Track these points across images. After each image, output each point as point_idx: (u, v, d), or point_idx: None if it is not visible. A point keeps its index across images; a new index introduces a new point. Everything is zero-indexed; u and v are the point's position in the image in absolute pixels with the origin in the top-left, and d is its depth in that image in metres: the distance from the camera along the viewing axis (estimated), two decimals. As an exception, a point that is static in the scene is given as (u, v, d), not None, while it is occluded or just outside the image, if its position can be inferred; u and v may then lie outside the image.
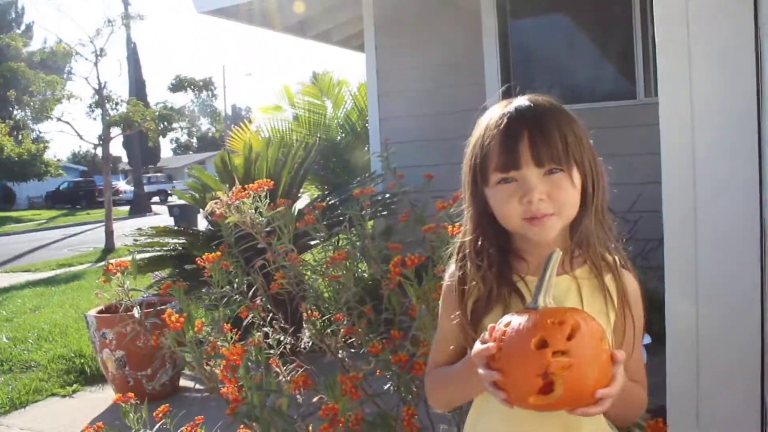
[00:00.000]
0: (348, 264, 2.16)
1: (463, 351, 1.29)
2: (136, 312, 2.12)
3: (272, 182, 2.04)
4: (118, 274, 2.02)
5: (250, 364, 1.84)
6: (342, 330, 2.27)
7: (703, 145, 2.37)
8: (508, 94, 1.32)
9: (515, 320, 1.05)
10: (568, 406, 1.02)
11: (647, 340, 3.03)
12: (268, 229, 2.10)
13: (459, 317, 1.26)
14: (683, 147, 2.45)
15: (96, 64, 15.59)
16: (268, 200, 2.06)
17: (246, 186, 2.00)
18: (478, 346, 1.08)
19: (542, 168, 1.16)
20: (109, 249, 14.17)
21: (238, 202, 2.00)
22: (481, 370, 1.06)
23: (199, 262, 2.09)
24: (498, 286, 1.22)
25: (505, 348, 1.03)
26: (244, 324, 2.35)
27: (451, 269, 1.32)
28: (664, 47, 2.43)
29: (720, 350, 2.29)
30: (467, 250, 1.27)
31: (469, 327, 1.23)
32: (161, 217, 22.45)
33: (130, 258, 2.14)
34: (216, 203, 1.98)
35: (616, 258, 1.27)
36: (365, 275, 3.28)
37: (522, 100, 1.22)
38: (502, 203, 1.19)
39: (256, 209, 2.04)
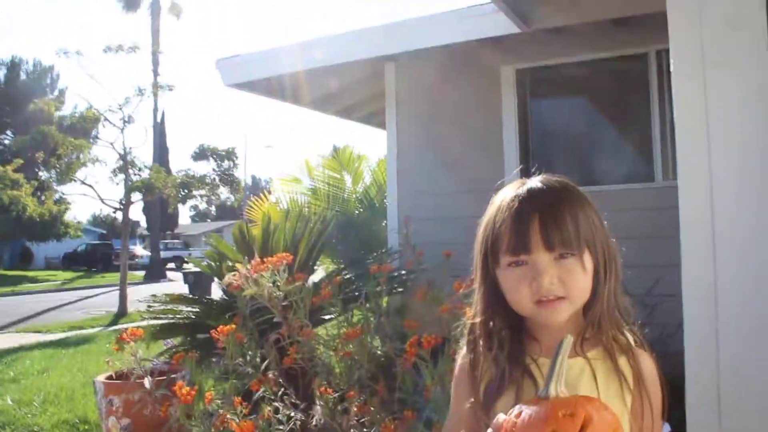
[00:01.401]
0: (362, 340, 2.14)
1: None
2: (147, 382, 2.09)
3: (291, 256, 2.05)
4: (132, 343, 2.01)
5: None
6: (354, 408, 2.22)
7: (723, 225, 2.36)
8: (526, 172, 1.32)
9: (526, 411, 1.02)
10: None
11: (667, 429, 2.94)
12: (284, 303, 2.09)
13: (471, 401, 1.23)
14: (703, 228, 2.45)
15: (123, 130, 15.95)
16: (286, 274, 2.06)
17: (265, 259, 2.00)
18: None
19: (553, 252, 1.15)
20: (122, 313, 14.14)
21: (256, 275, 2.00)
22: None
23: (213, 334, 2.08)
24: (510, 368, 1.20)
25: None
26: (255, 398, 2.32)
27: (463, 351, 1.30)
28: (682, 132, 2.46)
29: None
30: (478, 332, 1.26)
31: (482, 411, 1.20)
32: (176, 283, 22.46)
33: (143, 324, 2.14)
34: (234, 275, 1.98)
35: (630, 339, 1.24)
36: (378, 352, 3.24)
37: (535, 182, 1.22)
38: (512, 287, 1.18)
39: (273, 283, 2.03)
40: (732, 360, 2.33)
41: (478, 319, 1.26)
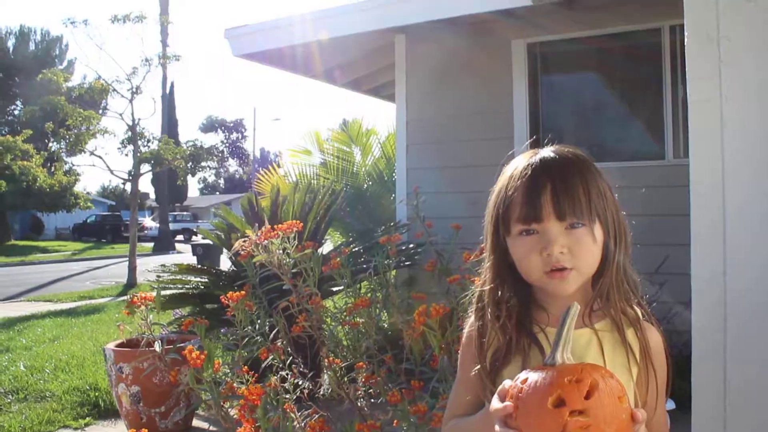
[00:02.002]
0: (370, 311, 2.15)
1: (481, 402, 1.26)
2: (157, 346, 2.12)
3: (301, 224, 2.05)
4: (142, 308, 2.03)
5: (267, 406, 1.82)
6: (362, 378, 2.24)
7: (733, 206, 2.34)
8: (536, 145, 1.32)
9: (532, 377, 1.03)
10: None
11: (671, 405, 2.96)
12: (294, 270, 2.11)
13: (478, 368, 1.24)
14: (713, 207, 2.43)
15: (131, 101, 15.95)
16: (296, 242, 2.07)
17: (275, 226, 2.01)
18: (495, 402, 1.06)
19: (564, 221, 1.15)
20: (131, 284, 14.26)
21: (266, 241, 2.01)
22: (497, 428, 1.04)
23: (223, 300, 2.09)
24: (517, 337, 1.21)
25: (521, 406, 1.01)
26: (263, 366, 2.34)
27: (471, 319, 1.31)
28: (695, 107, 2.43)
29: (749, 419, 2.22)
30: (486, 300, 1.26)
31: (488, 378, 1.21)
32: (185, 255, 22.59)
33: (153, 293, 2.15)
34: (244, 241, 1.99)
35: (639, 312, 1.24)
36: (385, 325, 3.25)
37: (548, 152, 1.22)
38: (522, 255, 1.19)
39: (283, 250, 2.04)
40: (739, 339, 2.33)
41: (487, 287, 1.27)
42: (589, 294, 1.22)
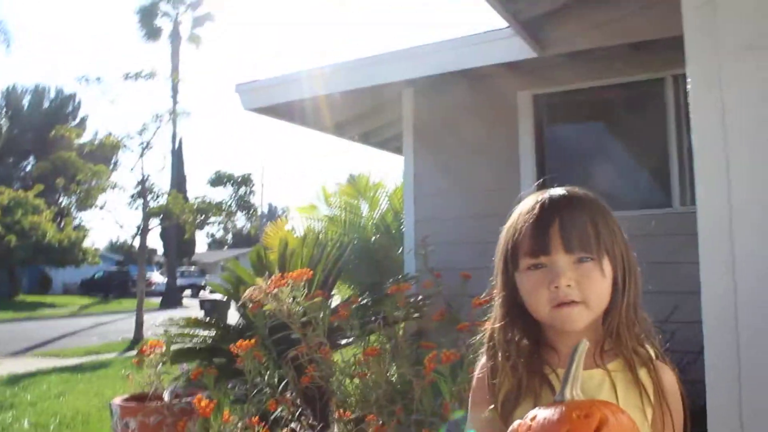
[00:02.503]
0: (379, 360, 2.13)
1: None
2: (166, 395, 2.10)
3: (311, 272, 2.06)
4: (151, 356, 2.02)
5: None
6: (371, 430, 2.21)
7: (743, 250, 2.34)
8: (543, 187, 1.34)
9: (541, 414, 1.02)
10: None
11: (688, 456, 2.89)
12: (303, 319, 2.10)
13: (490, 411, 1.23)
14: (722, 253, 2.42)
15: (141, 156, 16.16)
16: (306, 290, 2.07)
17: (285, 274, 2.01)
18: None
19: (572, 255, 1.16)
20: (138, 339, 14.19)
21: (276, 290, 2.01)
22: None
23: (232, 349, 2.08)
24: (528, 378, 1.20)
25: None
26: (272, 417, 2.31)
27: (482, 361, 1.31)
28: (700, 154, 2.45)
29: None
30: (497, 338, 1.26)
31: (500, 420, 1.20)
32: (192, 310, 22.51)
33: (163, 341, 2.15)
34: (255, 290, 1.99)
35: (651, 351, 1.24)
36: (394, 379, 3.21)
37: (556, 189, 1.25)
38: (530, 289, 1.19)
39: (293, 299, 2.04)
40: (754, 387, 2.30)
41: (497, 325, 1.26)
42: (600, 334, 1.21)
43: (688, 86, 2.56)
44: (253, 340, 2.14)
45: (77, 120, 42.02)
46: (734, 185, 2.43)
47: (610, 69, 5.31)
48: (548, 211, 1.19)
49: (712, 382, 2.37)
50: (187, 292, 37.53)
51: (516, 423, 1.05)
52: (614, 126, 5.75)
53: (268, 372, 2.26)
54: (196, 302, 25.19)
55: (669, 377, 1.24)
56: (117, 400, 4.62)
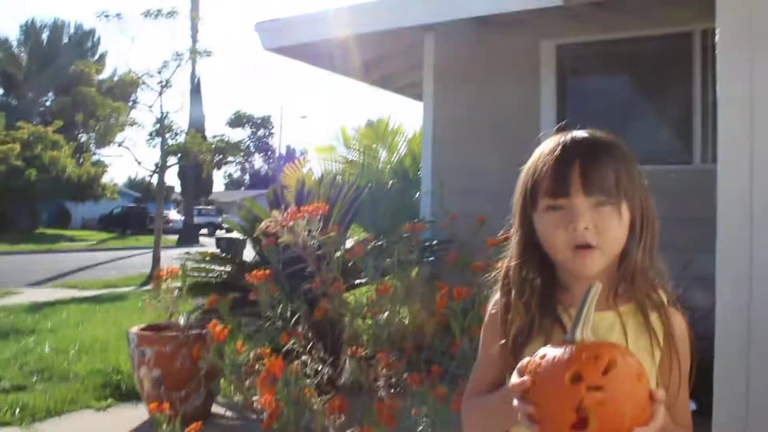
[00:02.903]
0: (392, 298, 2.17)
1: (503, 380, 1.28)
2: (182, 319, 2.16)
3: (327, 207, 2.08)
4: (168, 283, 2.07)
5: (288, 383, 1.85)
6: (382, 365, 2.26)
7: (762, 209, 2.33)
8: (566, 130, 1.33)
9: (550, 353, 1.04)
10: None
11: (692, 406, 2.94)
12: (318, 253, 2.14)
13: (500, 346, 1.25)
14: (740, 212, 2.41)
15: (160, 94, 16.13)
16: (321, 224, 2.10)
17: (301, 207, 2.04)
18: (514, 378, 1.07)
19: (591, 198, 1.16)
20: (154, 274, 14.40)
21: (292, 223, 2.04)
22: (516, 402, 1.05)
23: (247, 279, 2.13)
24: (540, 316, 1.22)
25: (539, 381, 1.02)
26: (283, 350, 2.37)
27: (496, 297, 1.32)
28: (724, 105, 2.42)
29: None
30: (512, 276, 1.28)
31: (510, 356, 1.22)
32: (208, 249, 22.78)
33: (179, 270, 2.20)
34: (271, 221, 2.02)
35: (664, 296, 1.25)
36: (406, 321, 3.26)
37: (579, 132, 1.24)
38: (548, 230, 1.20)
39: (308, 232, 2.07)
40: (764, 346, 2.31)
41: (513, 263, 1.28)
42: (614, 277, 1.22)
43: (717, 39, 2.51)
44: (267, 272, 2.18)
45: (96, 56, 41.89)
46: (757, 142, 2.41)
47: (636, 21, 5.20)
48: (570, 153, 1.18)
49: (721, 339, 2.39)
50: (204, 230, 37.89)
51: (525, 360, 1.07)
52: (638, 80, 5.66)
53: (281, 305, 2.31)
54: (212, 241, 25.45)
55: (679, 322, 1.25)
56: (134, 329, 4.74)
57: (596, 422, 0.96)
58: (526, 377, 1.04)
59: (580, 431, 0.97)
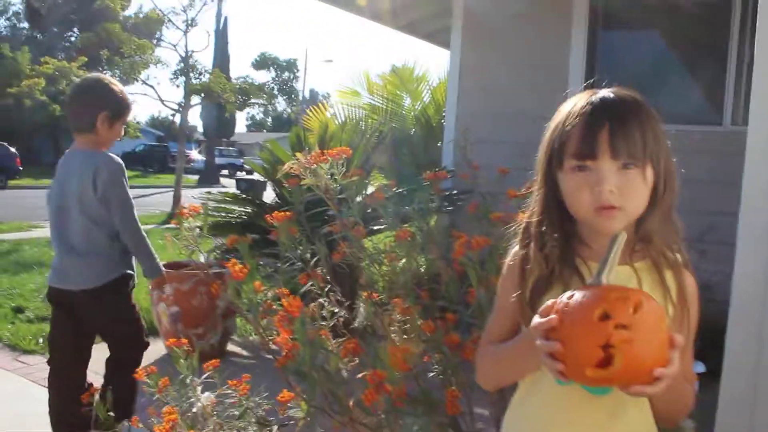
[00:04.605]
0: (411, 242, 2.18)
1: (518, 330, 1.30)
2: (202, 258, 2.19)
3: (350, 151, 2.08)
4: (190, 219, 2.10)
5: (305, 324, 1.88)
6: (397, 310, 2.28)
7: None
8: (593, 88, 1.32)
9: (578, 293, 1.06)
10: (624, 382, 1.02)
11: (701, 368, 2.95)
12: (340, 196, 2.15)
13: (518, 296, 1.27)
14: (766, 176, 2.37)
15: (186, 33, 16.06)
16: (344, 168, 2.10)
17: (325, 151, 2.04)
18: (536, 319, 1.09)
19: (618, 161, 1.17)
20: (175, 213, 14.57)
21: (315, 166, 2.04)
22: (539, 341, 1.07)
23: (267, 219, 2.14)
24: (560, 267, 1.24)
25: (566, 319, 1.04)
26: (301, 292, 2.40)
27: (514, 249, 1.34)
28: (761, 71, 2.35)
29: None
30: (533, 231, 1.29)
31: (528, 305, 1.24)
32: (229, 189, 22.93)
33: (201, 207, 2.22)
34: (294, 163, 2.03)
35: (678, 257, 1.26)
36: (423, 270, 3.28)
37: (607, 92, 1.24)
38: (573, 190, 1.20)
39: (331, 175, 2.08)
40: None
41: (534, 219, 1.29)
42: (632, 235, 1.23)
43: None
44: (288, 213, 2.19)
45: (122, -9, 41.54)
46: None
47: (675, -27, 5.05)
48: (599, 115, 1.19)
49: (736, 303, 2.38)
50: (225, 171, 38.10)
51: (550, 301, 1.09)
52: (672, 36, 5.52)
53: (301, 247, 2.33)
54: (232, 182, 25.62)
55: (691, 283, 1.28)
56: (154, 266, 4.82)
57: (621, 360, 0.99)
58: (552, 316, 1.05)
59: (604, 368, 0.99)
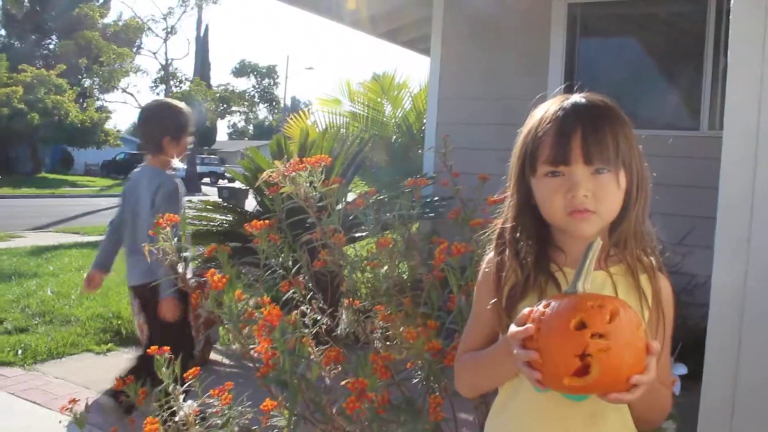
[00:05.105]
0: (392, 252, 2.18)
1: (495, 337, 1.30)
2: (180, 267, 2.18)
3: (330, 159, 2.08)
4: (168, 229, 2.08)
5: (286, 333, 1.87)
6: (379, 317, 2.28)
7: (764, 177, 2.32)
8: (569, 91, 1.33)
9: (555, 302, 1.06)
10: (601, 390, 1.03)
11: (683, 370, 2.97)
12: (320, 204, 2.14)
13: (494, 303, 1.27)
14: (743, 181, 2.40)
15: (166, 41, 16.04)
16: (323, 176, 2.10)
17: (303, 159, 2.04)
18: (513, 328, 1.09)
19: (591, 166, 1.18)
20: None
21: (294, 173, 2.04)
22: (516, 350, 1.07)
23: (248, 228, 2.14)
24: (535, 274, 1.24)
25: (543, 328, 1.04)
26: (283, 299, 2.39)
27: (489, 256, 1.35)
28: (735, 70, 2.39)
29: (761, 393, 2.23)
30: (507, 237, 1.29)
31: (504, 312, 1.25)
32: (211, 198, 22.84)
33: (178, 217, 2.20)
34: (273, 171, 2.02)
35: (653, 260, 1.28)
36: (405, 276, 3.28)
37: (579, 98, 1.24)
38: (546, 196, 1.21)
39: (310, 183, 2.08)
40: (757, 318, 2.32)
41: (508, 225, 1.29)
42: (606, 239, 1.24)
43: (732, 2, 2.46)
44: (269, 222, 2.19)
45: (101, 0, 41.29)
46: (764, 109, 2.38)
47: (650, -20, 5.11)
48: (571, 121, 1.19)
49: (716, 306, 2.40)
50: (207, 180, 37.87)
51: (526, 310, 1.09)
52: (649, 43, 5.58)
53: (282, 254, 2.32)
54: (214, 190, 25.48)
55: (666, 286, 1.29)
56: (135, 275, 4.78)
57: (598, 369, 0.99)
58: (529, 324, 1.06)
59: (581, 377, 1.00)
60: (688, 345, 2.40)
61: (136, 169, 3.44)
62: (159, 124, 3.21)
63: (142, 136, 3.28)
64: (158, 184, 3.16)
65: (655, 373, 1.06)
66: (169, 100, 3.46)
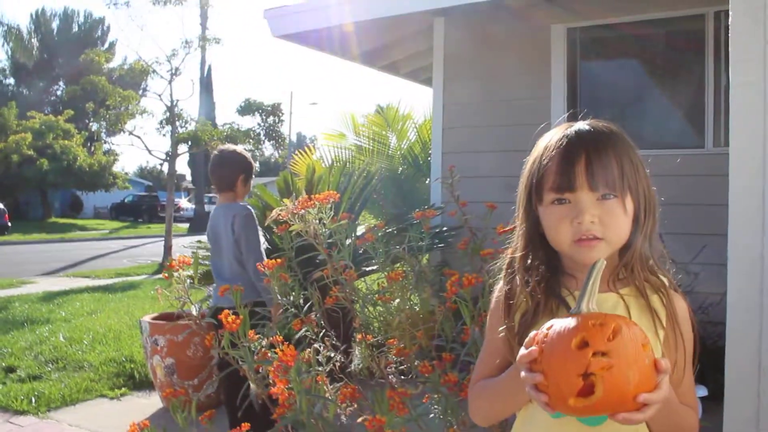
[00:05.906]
0: (403, 285, 2.17)
1: (507, 365, 1.29)
2: (194, 310, 2.17)
3: (338, 195, 2.08)
4: (179, 273, 2.08)
5: (301, 372, 1.86)
6: (393, 352, 2.27)
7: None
8: (573, 118, 1.34)
9: (557, 323, 1.05)
10: (609, 409, 1.00)
11: (703, 392, 2.93)
12: (329, 241, 2.14)
13: (504, 330, 1.26)
14: (753, 197, 2.39)
15: (170, 82, 16.15)
16: (332, 213, 2.10)
17: (312, 196, 2.04)
18: (522, 351, 1.08)
19: (596, 192, 1.18)
20: (165, 263, 14.49)
21: (303, 211, 2.04)
22: (523, 374, 1.06)
23: (258, 267, 2.13)
24: (545, 300, 1.24)
25: (546, 349, 1.03)
26: (296, 337, 2.38)
27: (500, 284, 1.34)
28: (737, 90, 2.39)
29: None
30: (517, 266, 1.29)
31: (515, 339, 1.24)
32: (219, 235, 22.86)
33: (191, 260, 2.20)
34: (281, 210, 2.03)
35: (665, 280, 1.26)
36: (417, 308, 3.27)
37: (582, 125, 1.25)
38: (553, 224, 1.21)
39: (319, 220, 2.08)
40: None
41: (518, 254, 1.29)
42: (615, 262, 1.24)
43: (730, 20, 2.47)
44: (279, 261, 2.18)
45: (106, 45, 41.90)
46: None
47: (648, 3, 5.14)
48: (575, 148, 1.20)
49: (732, 324, 2.38)
50: (215, 219, 37.91)
51: (532, 333, 1.09)
52: (650, 63, 5.61)
53: (293, 292, 2.32)
54: (223, 229, 25.52)
55: (681, 305, 1.27)
56: (146, 318, 4.78)
57: (602, 388, 0.98)
58: (533, 347, 1.05)
59: (586, 397, 0.98)
60: (707, 365, 2.36)
61: (212, 212, 3.80)
62: (235, 167, 3.56)
63: (215, 177, 3.62)
64: (233, 214, 3.44)
65: (668, 391, 1.04)
66: (238, 147, 3.84)
